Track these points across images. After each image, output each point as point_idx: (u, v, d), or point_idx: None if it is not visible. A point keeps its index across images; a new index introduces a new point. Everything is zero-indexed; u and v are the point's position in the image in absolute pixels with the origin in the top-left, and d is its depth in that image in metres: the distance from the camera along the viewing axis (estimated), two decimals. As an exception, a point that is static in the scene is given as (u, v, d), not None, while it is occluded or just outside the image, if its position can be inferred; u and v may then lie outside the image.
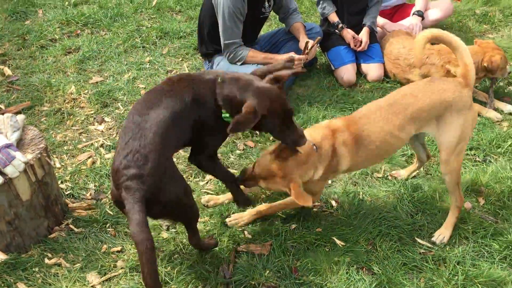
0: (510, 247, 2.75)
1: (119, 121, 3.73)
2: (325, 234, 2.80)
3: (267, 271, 2.57)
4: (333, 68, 4.40)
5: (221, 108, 2.35)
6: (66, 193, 3.07)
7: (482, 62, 3.88)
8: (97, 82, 4.20)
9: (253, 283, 2.51)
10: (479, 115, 3.92)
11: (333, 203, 3.04)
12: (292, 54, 3.89)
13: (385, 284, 2.53)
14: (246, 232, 2.82)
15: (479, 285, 2.54)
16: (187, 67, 4.45)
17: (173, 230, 2.83)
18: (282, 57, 3.87)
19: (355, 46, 4.37)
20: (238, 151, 3.48)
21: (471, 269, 2.63)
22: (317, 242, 2.76)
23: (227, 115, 2.35)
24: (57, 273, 2.56)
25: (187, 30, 5.02)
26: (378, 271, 2.59)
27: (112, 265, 2.62)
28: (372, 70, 4.39)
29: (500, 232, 2.85)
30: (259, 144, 3.55)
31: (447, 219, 2.83)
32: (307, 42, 3.94)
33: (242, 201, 2.74)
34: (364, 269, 2.63)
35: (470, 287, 2.54)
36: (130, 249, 2.70)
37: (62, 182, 3.14)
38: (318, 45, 4.31)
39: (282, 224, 2.87)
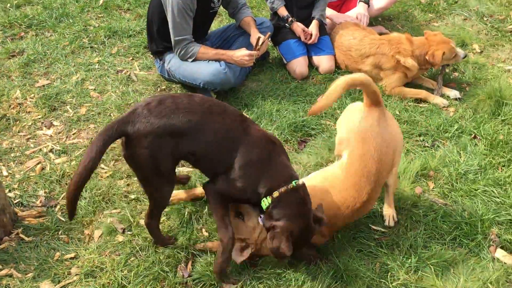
0: (459, 227, 2.85)
1: (68, 124, 3.64)
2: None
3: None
4: (285, 61, 4.43)
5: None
6: (15, 201, 2.98)
7: (425, 55, 4.00)
8: (43, 86, 4.08)
9: (212, 282, 2.50)
10: (426, 101, 4.04)
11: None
12: (244, 49, 3.89)
13: (342, 272, 2.57)
14: (203, 230, 2.81)
15: (431, 266, 2.62)
16: (138, 66, 4.37)
17: (129, 232, 2.78)
18: (234, 53, 3.86)
19: (305, 39, 4.41)
20: (192, 149, 3.45)
21: (423, 251, 2.71)
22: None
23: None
24: (9, 284, 2.48)
25: (137, 29, 4.94)
26: (336, 260, 2.64)
27: (66, 273, 2.56)
28: (324, 62, 4.44)
29: (449, 214, 2.95)
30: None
31: (388, 199, 2.91)
32: (258, 38, 3.94)
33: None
34: (322, 259, 2.67)
35: (423, 268, 2.62)
36: (84, 255, 2.65)
37: (10, 191, 3.03)
38: (270, 39, 4.33)
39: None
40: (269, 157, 2.41)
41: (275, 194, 2.35)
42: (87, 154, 2.18)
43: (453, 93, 4.10)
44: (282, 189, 2.35)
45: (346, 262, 2.62)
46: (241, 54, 3.85)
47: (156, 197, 2.48)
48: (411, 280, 2.55)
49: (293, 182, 2.38)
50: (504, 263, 2.68)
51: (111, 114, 3.72)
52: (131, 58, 4.52)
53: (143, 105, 2.31)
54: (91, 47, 4.66)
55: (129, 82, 4.16)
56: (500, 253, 2.73)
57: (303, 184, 2.44)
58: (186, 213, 2.89)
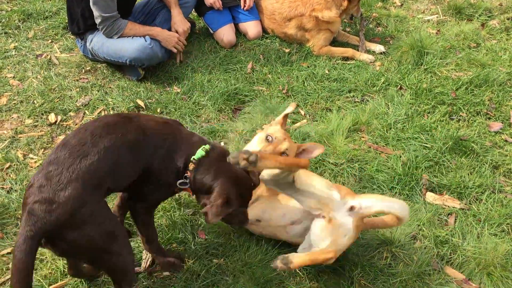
0: (396, 178, 2.97)
1: (-11, 116, 3.44)
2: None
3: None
4: (211, 31, 4.37)
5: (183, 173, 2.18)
6: None
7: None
8: (-43, 78, 3.82)
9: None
10: (353, 59, 4.13)
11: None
12: (176, 35, 3.83)
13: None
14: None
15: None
16: (58, 49, 4.17)
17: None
18: (162, 31, 3.77)
19: (243, 6, 4.36)
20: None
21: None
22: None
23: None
24: None
25: (53, 9, 4.68)
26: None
27: (4, 268, 2.46)
28: (251, 28, 4.42)
29: (384, 164, 3.07)
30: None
31: None
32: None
33: (166, 265, 2.44)
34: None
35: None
36: (21, 248, 2.55)
37: None
38: (194, 10, 4.25)
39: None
40: (172, 139, 2.19)
41: (191, 166, 2.17)
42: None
43: (378, 48, 4.22)
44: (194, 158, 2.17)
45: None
46: (171, 34, 3.80)
47: (122, 265, 2.05)
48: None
49: (202, 147, 2.19)
50: (435, 204, 2.84)
51: (35, 101, 3.54)
52: (50, 40, 4.30)
53: (37, 198, 1.82)
54: (5, 32, 4.38)
55: (50, 66, 3.96)
56: (430, 196, 2.89)
57: (214, 144, 2.26)
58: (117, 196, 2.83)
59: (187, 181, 2.18)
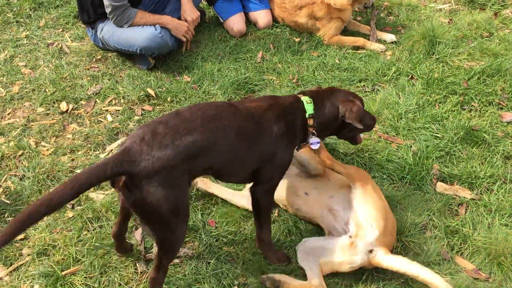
0: (407, 168, 2.96)
1: (1, 105, 3.46)
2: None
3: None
4: (221, 20, 4.36)
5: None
6: (-47, 189, 2.85)
7: None
8: (-31, 66, 3.85)
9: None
10: (364, 48, 4.10)
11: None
12: (185, 23, 3.83)
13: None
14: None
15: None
16: (69, 38, 4.18)
17: (79, 207, 2.73)
18: (172, 19, 3.77)
19: None
20: (136, 117, 3.38)
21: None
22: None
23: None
24: (-43, 274, 2.40)
25: (64, -2, 4.70)
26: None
27: (17, 254, 2.49)
28: (261, 17, 4.40)
29: (394, 154, 3.06)
30: (157, 107, 3.47)
31: None
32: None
33: (276, 258, 2.48)
34: (277, 212, 2.73)
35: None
36: (34, 235, 2.58)
37: None
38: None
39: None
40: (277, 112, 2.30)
41: (310, 121, 2.37)
42: (56, 191, 1.79)
43: (389, 37, 4.19)
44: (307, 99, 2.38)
45: (298, 211, 2.69)
46: (181, 23, 3.79)
47: (170, 241, 2.11)
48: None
49: (304, 100, 2.39)
50: (446, 194, 2.83)
51: (46, 90, 3.56)
52: (61, 29, 4.31)
53: (137, 141, 1.94)
54: (16, 21, 4.40)
55: (61, 54, 3.98)
56: (440, 186, 2.88)
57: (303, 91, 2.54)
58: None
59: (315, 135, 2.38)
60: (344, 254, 2.32)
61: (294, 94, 2.49)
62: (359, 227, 2.33)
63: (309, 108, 2.35)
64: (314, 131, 2.38)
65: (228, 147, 2.14)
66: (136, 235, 2.57)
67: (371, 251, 2.29)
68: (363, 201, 2.37)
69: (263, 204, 2.37)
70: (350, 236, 2.34)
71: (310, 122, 2.35)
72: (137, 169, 1.89)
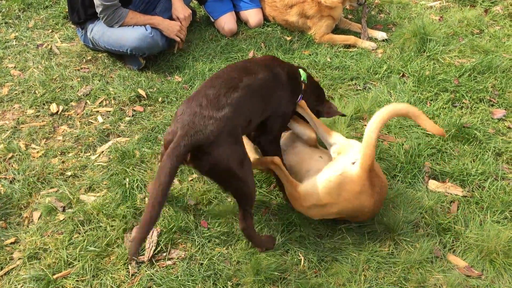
0: (399, 166, 2.97)
1: (-9, 107, 3.44)
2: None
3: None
4: (212, 19, 4.34)
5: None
6: None
7: None
8: (-42, 69, 3.81)
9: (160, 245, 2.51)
10: (355, 46, 4.10)
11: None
12: (178, 23, 3.81)
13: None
14: (146, 199, 2.78)
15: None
16: (59, 38, 4.15)
17: (70, 210, 2.71)
18: (163, 20, 3.75)
19: None
20: (127, 118, 3.36)
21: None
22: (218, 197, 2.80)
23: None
24: None
25: (53, -1, 4.66)
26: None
27: (8, 258, 2.47)
28: (252, 16, 4.39)
29: (386, 151, 3.06)
30: (148, 108, 3.45)
31: None
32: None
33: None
34: (265, 209, 2.72)
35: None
36: (25, 238, 2.56)
37: None
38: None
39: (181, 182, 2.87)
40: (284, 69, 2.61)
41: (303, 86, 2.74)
42: (156, 184, 1.98)
43: (380, 35, 4.19)
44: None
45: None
46: (172, 23, 3.78)
47: (247, 191, 2.30)
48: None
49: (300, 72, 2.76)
50: (437, 192, 2.84)
51: (36, 92, 3.54)
52: (50, 30, 4.28)
53: (197, 111, 2.13)
54: (5, 22, 4.36)
55: (51, 55, 3.95)
56: (432, 184, 2.89)
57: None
58: (127, 183, 2.84)
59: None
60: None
61: (287, 63, 2.78)
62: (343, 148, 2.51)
63: (303, 75, 2.73)
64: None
65: (259, 98, 2.38)
66: (125, 238, 2.56)
67: (353, 163, 2.38)
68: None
69: (271, 153, 2.60)
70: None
71: (303, 86, 2.72)
72: (205, 137, 2.07)
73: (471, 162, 3.02)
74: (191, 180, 2.88)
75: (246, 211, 2.35)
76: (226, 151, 2.13)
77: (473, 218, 2.70)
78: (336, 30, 4.32)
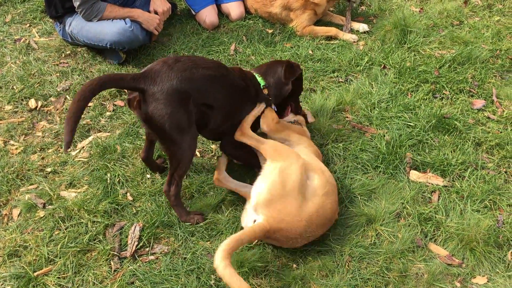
0: (380, 157, 2.98)
1: (-33, 103, 3.37)
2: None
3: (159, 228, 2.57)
4: (193, 12, 4.30)
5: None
6: None
7: None
8: None
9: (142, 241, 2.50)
10: (336, 38, 4.11)
11: (213, 146, 3.07)
12: (157, 16, 3.77)
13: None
14: (128, 195, 2.75)
15: (358, 196, 2.77)
16: (37, 33, 4.08)
17: (50, 206, 2.68)
18: (143, 12, 3.70)
19: None
20: (108, 113, 3.33)
21: (349, 181, 2.84)
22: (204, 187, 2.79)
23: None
24: None
25: (30, -8, 4.57)
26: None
27: (-9, 259, 2.44)
28: (233, 8, 4.36)
29: (368, 143, 3.08)
30: (129, 102, 3.41)
31: None
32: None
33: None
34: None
35: (353, 197, 2.77)
36: (4, 236, 2.53)
37: None
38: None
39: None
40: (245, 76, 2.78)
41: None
42: (85, 85, 2.18)
43: (362, 27, 4.20)
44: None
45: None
46: (152, 16, 3.73)
47: (179, 157, 2.44)
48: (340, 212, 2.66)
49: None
50: (419, 182, 2.86)
51: (14, 87, 3.48)
52: (28, 24, 4.20)
53: (160, 64, 2.37)
54: (-19, 17, 4.28)
55: (29, 50, 3.88)
56: (414, 175, 2.91)
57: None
58: (108, 178, 2.81)
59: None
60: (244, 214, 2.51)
61: (247, 70, 2.91)
62: (252, 197, 2.41)
63: (261, 81, 2.83)
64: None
65: (225, 95, 2.54)
66: (107, 234, 2.54)
67: (254, 221, 2.37)
68: (265, 176, 2.43)
69: (237, 156, 2.81)
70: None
71: (265, 91, 2.82)
72: (151, 84, 2.29)
73: (451, 152, 3.06)
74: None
75: (173, 176, 2.49)
76: (165, 109, 2.29)
77: (453, 208, 2.73)
78: (318, 22, 4.32)
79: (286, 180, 2.36)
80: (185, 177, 2.81)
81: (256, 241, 2.48)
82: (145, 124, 2.39)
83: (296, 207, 2.32)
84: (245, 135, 2.62)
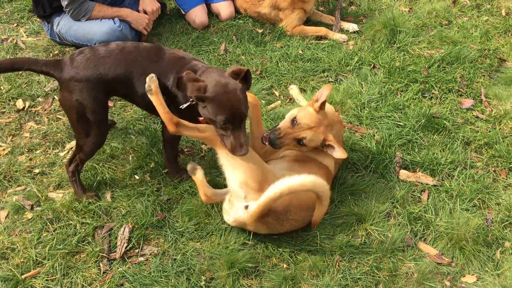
0: (370, 157, 2.99)
1: (-47, 104, 3.32)
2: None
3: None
4: (183, 12, 4.28)
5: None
6: None
7: None
8: None
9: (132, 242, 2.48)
10: (326, 38, 4.11)
11: (203, 147, 3.06)
12: (146, 16, 3.75)
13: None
14: (117, 195, 2.74)
15: (348, 195, 2.77)
16: (25, 33, 4.04)
17: (38, 208, 2.65)
18: (132, 12, 3.68)
19: None
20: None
21: (339, 181, 2.84)
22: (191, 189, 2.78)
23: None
24: None
25: (18, -8, 4.52)
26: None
27: (-26, 260, 2.40)
28: (223, 8, 4.35)
29: (358, 143, 3.08)
30: (118, 102, 3.39)
31: None
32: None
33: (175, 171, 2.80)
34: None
35: (343, 197, 2.77)
36: (-9, 239, 2.50)
37: None
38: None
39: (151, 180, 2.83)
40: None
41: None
42: None
43: (351, 27, 4.21)
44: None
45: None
46: (141, 15, 3.72)
47: (80, 143, 2.52)
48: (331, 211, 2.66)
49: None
50: (408, 181, 2.87)
51: (1, 87, 3.43)
52: (15, 24, 4.15)
53: (70, 56, 2.43)
54: (-32, 16, 4.22)
55: (17, 50, 3.84)
56: (403, 174, 2.92)
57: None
58: (97, 180, 2.79)
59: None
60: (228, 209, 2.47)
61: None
62: (233, 191, 2.41)
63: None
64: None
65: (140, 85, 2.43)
66: (96, 236, 2.52)
67: (246, 207, 2.35)
68: (229, 166, 2.39)
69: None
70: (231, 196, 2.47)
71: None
72: (59, 75, 2.40)
73: (440, 151, 3.07)
74: (163, 174, 2.84)
75: (75, 157, 2.62)
76: (69, 98, 2.39)
77: (443, 207, 2.75)
78: (308, 22, 4.32)
79: (253, 160, 2.37)
80: (175, 177, 2.79)
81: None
82: (61, 106, 2.51)
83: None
84: (180, 126, 2.37)
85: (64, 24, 3.68)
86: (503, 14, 4.49)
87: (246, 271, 2.38)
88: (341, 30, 4.21)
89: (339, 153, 2.52)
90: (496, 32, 4.23)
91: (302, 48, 3.98)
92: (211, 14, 4.39)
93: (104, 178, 2.80)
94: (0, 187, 2.76)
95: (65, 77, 2.38)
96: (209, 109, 2.23)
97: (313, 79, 3.65)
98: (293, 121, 2.56)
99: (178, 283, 2.32)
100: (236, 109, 2.22)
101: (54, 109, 3.30)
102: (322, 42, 4.09)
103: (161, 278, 2.34)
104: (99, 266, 2.39)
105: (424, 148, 3.09)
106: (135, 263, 2.41)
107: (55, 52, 3.82)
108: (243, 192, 2.36)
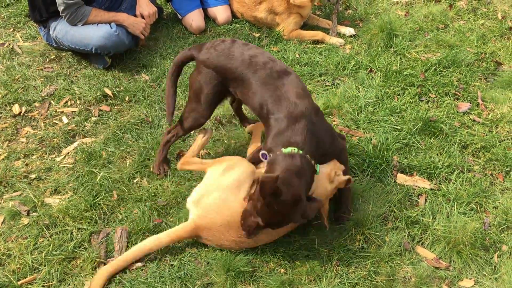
0: (367, 161, 2.99)
1: (-51, 109, 3.31)
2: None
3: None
4: (180, 17, 4.28)
5: None
6: None
7: None
8: None
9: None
10: (323, 42, 4.12)
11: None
12: (143, 20, 3.74)
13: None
14: (114, 200, 2.73)
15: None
16: (21, 38, 4.03)
17: (34, 213, 2.64)
18: (128, 16, 3.67)
19: None
20: (93, 118, 3.29)
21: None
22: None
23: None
24: None
25: (14, -4, 4.52)
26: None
27: (-30, 266, 2.39)
28: (220, 12, 4.35)
29: (355, 147, 3.08)
30: (115, 107, 3.38)
31: None
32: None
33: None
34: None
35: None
36: (-13, 245, 2.48)
37: None
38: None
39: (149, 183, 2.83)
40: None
41: None
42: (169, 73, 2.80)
43: (348, 31, 4.21)
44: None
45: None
46: (138, 20, 3.71)
47: (184, 117, 2.77)
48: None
49: None
50: (406, 185, 2.87)
51: (-2, 92, 3.43)
52: (12, 29, 4.15)
53: (210, 43, 2.67)
54: (-36, 21, 4.22)
55: (13, 55, 3.83)
56: (401, 178, 2.92)
57: None
58: (93, 185, 2.78)
59: None
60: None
61: None
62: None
63: None
64: None
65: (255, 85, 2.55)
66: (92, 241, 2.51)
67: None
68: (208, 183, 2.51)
69: None
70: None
71: None
72: (196, 55, 2.66)
73: (437, 155, 3.07)
74: (161, 180, 2.84)
75: (172, 129, 2.86)
76: (198, 77, 2.65)
77: (440, 210, 2.75)
78: (305, 26, 4.33)
79: (211, 178, 2.49)
80: (168, 179, 2.79)
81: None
82: None
83: (219, 204, 2.38)
84: (188, 164, 2.66)
85: (60, 29, 3.67)
86: (499, 17, 4.51)
87: (243, 276, 2.37)
88: (338, 34, 4.22)
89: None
90: (492, 35, 4.25)
91: (299, 52, 3.98)
92: (208, 18, 4.39)
93: (101, 183, 2.79)
94: (-4, 193, 2.76)
95: (200, 59, 2.63)
96: None
97: (310, 83, 3.65)
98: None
99: (175, 288, 2.31)
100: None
101: (51, 114, 3.29)
102: (319, 46, 4.09)
103: (158, 284, 2.33)
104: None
105: (421, 152, 3.09)
106: (132, 269, 2.40)
107: (52, 57, 3.81)
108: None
